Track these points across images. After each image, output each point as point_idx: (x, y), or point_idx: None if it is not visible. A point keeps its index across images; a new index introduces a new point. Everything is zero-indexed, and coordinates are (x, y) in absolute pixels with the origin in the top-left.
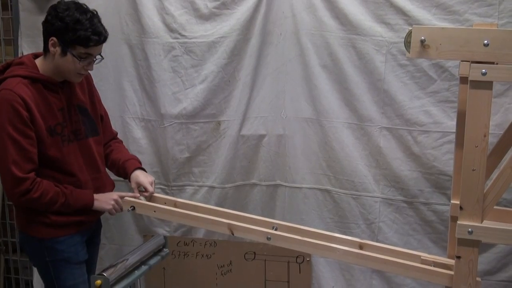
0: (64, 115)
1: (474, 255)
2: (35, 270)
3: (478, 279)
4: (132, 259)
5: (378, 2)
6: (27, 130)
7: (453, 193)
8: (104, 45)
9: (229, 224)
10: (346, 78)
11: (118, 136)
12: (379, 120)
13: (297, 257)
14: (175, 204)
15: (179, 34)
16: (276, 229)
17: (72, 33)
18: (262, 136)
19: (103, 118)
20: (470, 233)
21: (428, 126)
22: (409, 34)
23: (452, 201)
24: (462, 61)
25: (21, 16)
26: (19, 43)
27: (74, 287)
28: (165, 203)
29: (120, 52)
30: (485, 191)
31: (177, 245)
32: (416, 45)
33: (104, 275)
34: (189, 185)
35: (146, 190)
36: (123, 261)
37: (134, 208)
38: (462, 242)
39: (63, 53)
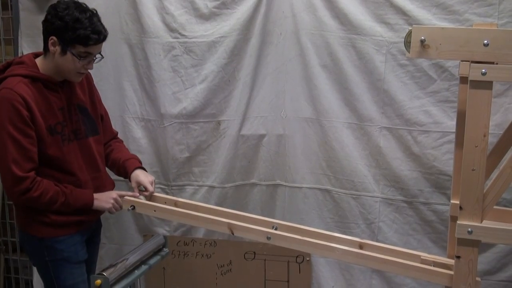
0: (64, 114)
1: (474, 255)
2: (35, 269)
3: (478, 279)
4: (132, 259)
5: (378, 2)
6: (27, 129)
7: (453, 193)
8: (104, 44)
9: (229, 223)
10: (346, 78)
11: (118, 135)
12: (379, 120)
13: (297, 256)
14: (176, 204)
15: (179, 33)
16: (276, 229)
17: (72, 32)
18: (262, 136)
19: (103, 117)
20: (470, 233)
21: (428, 126)
22: (409, 34)
23: (452, 201)
24: (462, 61)
25: (21, 15)
26: (19, 42)
27: (73, 286)
28: (165, 202)
29: (120, 51)
30: (484, 191)
31: (177, 244)
32: (416, 45)
33: (104, 275)
34: (189, 184)
35: (146, 189)
36: (123, 260)
37: (134, 208)
38: (462, 242)
39: (63, 52)
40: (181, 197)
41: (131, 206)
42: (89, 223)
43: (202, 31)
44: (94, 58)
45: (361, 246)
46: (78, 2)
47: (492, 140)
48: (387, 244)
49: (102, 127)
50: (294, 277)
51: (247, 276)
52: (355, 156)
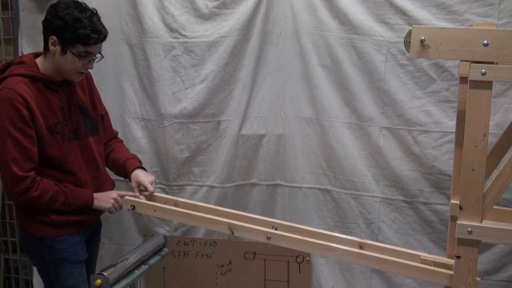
0: (64, 114)
1: (474, 255)
2: (35, 269)
3: (478, 279)
4: (132, 259)
5: (378, 2)
6: (28, 129)
7: (452, 193)
8: (104, 44)
9: (229, 223)
10: (346, 78)
11: (118, 135)
12: (379, 120)
13: (297, 256)
14: (176, 204)
15: (179, 33)
16: (276, 229)
17: (72, 31)
18: (262, 136)
19: (104, 117)
20: (470, 233)
21: (428, 126)
22: (409, 34)
23: (451, 201)
24: (462, 61)
25: (21, 15)
26: (19, 42)
27: (73, 286)
28: (166, 202)
29: (120, 51)
30: (484, 191)
31: (177, 244)
32: (416, 45)
33: (104, 275)
34: (189, 184)
35: (146, 189)
36: (123, 260)
37: (134, 207)
38: (461, 242)
39: (63, 51)
40: (181, 197)
41: (131, 206)
42: (89, 223)
43: (202, 31)
44: (94, 57)
45: (361, 246)
46: (78, 2)
47: (492, 140)
48: (387, 244)
49: (102, 127)
50: (294, 277)
51: (247, 276)
52: (355, 156)
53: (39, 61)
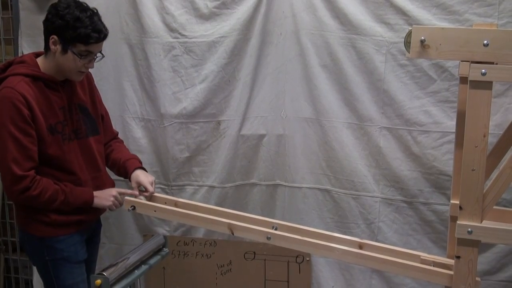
0: (65, 113)
1: (474, 255)
2: (35, 269)
3: (478, 279)
4: (132, 259)
5: (378, 2)
6: (28, 128)
7: (452, 193)
8: (104, 44)
9: (229, 223)
10: (346, 78)
11: (118, 135)
12: (379, 120)
13: (296, 257)
14: (176, 204)
15: (179, 33)
16: (276, 229)
17: (73, 30)
18: (262, 136)
19: (104, 117)
20: (470, 233)
21: (428, 126)
22: (409, 34)
23: (451, 201)
24: (462, 61)
25: (21, 15)
26: (19, 42)
27: (73, 286)
28: (166, 202)
29: (120, 51)
30: (484, 191)
31: (177, 244)
32: (416, 45)
33: (104, 275)
34: (189, 184)
35: (146, 189)
36: (123, 260)
37: (134, 208)
38: (461, 242)
39: (64, 51)
40: (181, 197)
41: (131, 207)
42: (89, 222)
43: (202, 31)
44: (95, 57)
45: (361, 246)
46: (78, 1)
47: (492, 140)
48: (387, 244)
49: (102, 127)
50: (294, 277)
51: (247, 276)
52: (355, 156)
53: (40, 60)
